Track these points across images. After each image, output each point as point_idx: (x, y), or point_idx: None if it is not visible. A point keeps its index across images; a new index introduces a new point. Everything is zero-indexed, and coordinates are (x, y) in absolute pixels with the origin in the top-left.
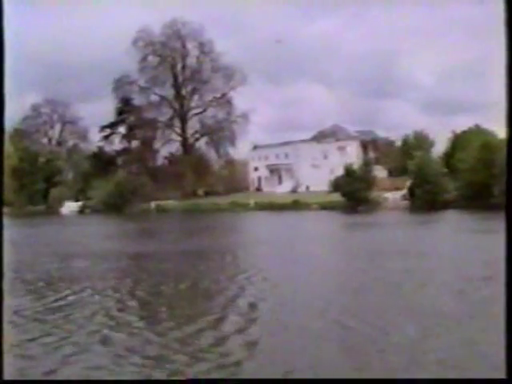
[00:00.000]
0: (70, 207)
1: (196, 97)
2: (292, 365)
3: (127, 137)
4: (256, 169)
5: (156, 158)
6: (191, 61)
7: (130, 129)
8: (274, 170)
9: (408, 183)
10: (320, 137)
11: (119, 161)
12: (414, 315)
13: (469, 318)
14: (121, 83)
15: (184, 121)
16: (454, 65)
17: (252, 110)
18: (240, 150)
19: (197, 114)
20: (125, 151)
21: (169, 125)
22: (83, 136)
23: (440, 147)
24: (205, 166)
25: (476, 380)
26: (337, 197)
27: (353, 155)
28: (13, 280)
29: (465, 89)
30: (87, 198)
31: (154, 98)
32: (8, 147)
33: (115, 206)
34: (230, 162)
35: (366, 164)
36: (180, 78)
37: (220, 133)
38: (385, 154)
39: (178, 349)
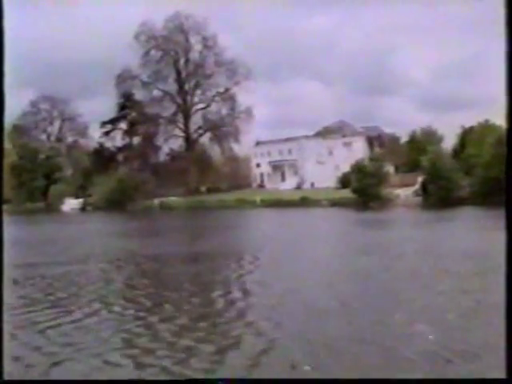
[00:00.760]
0: (70, 204)
1: (199, 92)
2: None
3: (129, 133)
4: (258, 165)
5: (158, 154)
6: (194, 55)
7: (132, 124)
8: (277, 167)
9: (420, 179)
10: (325, 132)
11: (120, 157)
12: None
13: None
14: (123, 78)
15: (187, 116)
16: (451, 61)
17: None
18: (242, 147)
19: (200, 109)
20: (126, 147)
21: (171, 120)
22: (83, 132)
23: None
24: (208, 163)
25: (476, 380)
26: (346, 193)
27: (359, 151)
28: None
29: (462, 85)
30: (87, 194)
31: (156, 93)
32: (6, 144)
33: (117, 202)
34: (234, 159)
35: (377, 160)
36: (183, 73)
37: (224, 128)
38: (390, 150)
39: None
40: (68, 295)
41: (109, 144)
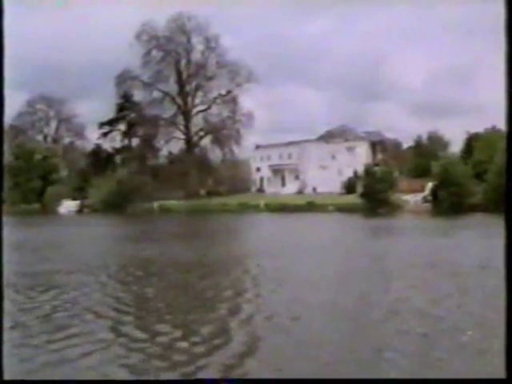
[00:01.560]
0: (67, 206)
1: (200, 94)
2: None
3: (127, 134)
4: (258, 169)
5: (157, 157)
6: (196, 56)
7: (131, 126)
8: (277, 171)
9: (430, 185)
10: (328, 137)
11: (118, 159)
12: None
13: None
14: (123, 78)
15: (188, 118)
16: (445, 67)
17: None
18: (242, 150)
19: (201, 111)
20: (124, 149)
21: (172, 122)
22: (80, 133)
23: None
24: (208, 166)
25: (476, 380)
26: (352, 198)
27: (362, 156)
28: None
29: (455, 92)
30: (84, 196)
31: (156, 94)
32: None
33: (116, 205)
34: (235, 162)
35: (385, 165)
36: (184, 74)
37: (225, 131)
38: (393, 155)
39: None
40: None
41: (106, 145)
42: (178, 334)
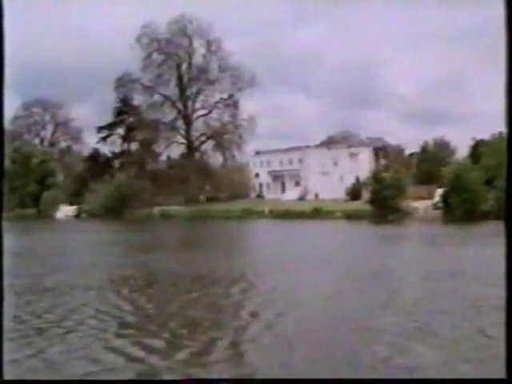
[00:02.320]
0: (65, 211)
1: (201, 98)
2: None
3: (126, 138)
4: (257, 175)
5: (157, 162)
6: (197, 60)
7: (129, 130)
8: (277, 177)
9: (440, 191)
10: (330, 143)
11: (116, 163)
12: None
13: None
14: (123, 81)
15: (188, 123)
16: (438, 75)
17: None
18: (242, 155)
19: (202, 115)
20: (123, 153)
21: (172, 127)
22: (76, 137)
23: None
24: (209, 171)
25: (476, 380)
26: (358, 205)
27: (365, 162)
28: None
29: (448, 100)
30: (80, 201)
31: (156, 97)
32: None
33: (114, 210)
34: (237, 168)
35: (395, 171)
36: (185, 78)
37: (226, 136)
38: (395, 161)
39: None
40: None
41: (104, 150)
42: None
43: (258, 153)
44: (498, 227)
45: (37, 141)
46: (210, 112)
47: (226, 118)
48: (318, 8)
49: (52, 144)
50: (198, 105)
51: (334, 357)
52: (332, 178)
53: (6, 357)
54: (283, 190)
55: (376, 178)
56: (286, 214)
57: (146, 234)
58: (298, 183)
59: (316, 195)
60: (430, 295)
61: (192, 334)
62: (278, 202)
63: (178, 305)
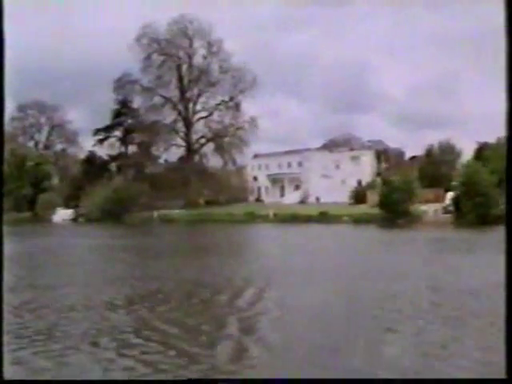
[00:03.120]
0: (62, 215)
1: (202, 100)
2: None
3: (124, 141)
4: (255, 178)
5: (155, 164)
6: (198, 61)
7: (127, 132)
8: (276, 180)
9: (450, 194)
10: (331, 146)
11: (113, 166)
12: None
13: None
14: (122, 82)
15: (189, 125)
16: (426, 79)
17: None
18: (243, 158)
19: (202, 117)
20: (121, 156)
21: (172, 129)
22: (72, 140)
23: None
24: (210, 174)
25: (476, 380)
26: (364, 208)
27: (367, 165)
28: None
29: (437, 104)
30: (75, 205)
31: (156, 99)
32: None
33: (112, 214)
34: (238, 171)
35: (405, 175)
36: (186, 79)
37: (227, 139)
38: (396, 164)
39: None
40: None
41: (101, 152)
42: None
43: (256, 156)
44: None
45: (31, 143)
46: (210, 114)
47: (227, 120)
48: (310, 12)
49: (47, 147)
50: (198, 107)
51: None
52: (333, 182)
53: None
54: (282, 193)
55: (385, 181)
56: (291, 218)
57: (152, 239)
58: (297, 187)
59: (317, 199)
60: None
61: None
62: (278, 205)
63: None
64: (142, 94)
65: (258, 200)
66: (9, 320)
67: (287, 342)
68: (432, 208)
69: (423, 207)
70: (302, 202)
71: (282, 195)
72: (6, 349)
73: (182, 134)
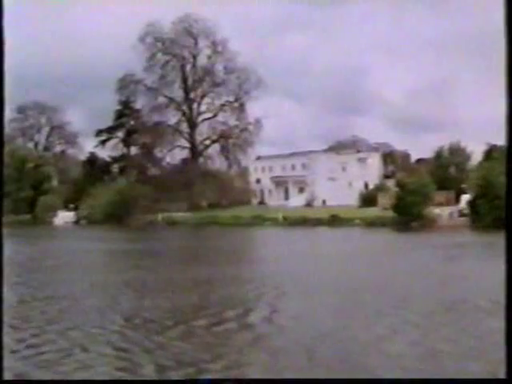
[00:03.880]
0: (64, 217)
1: (206, 100)
2: None
3: (126, 142)
4: (258, 181)
5: (159, 166)
6: (203, 61)
7: (130, 133)
8: (280, 183)
9: (465, 197)
10: (338, 148)
11: (116, 168)
12: None
13: None
14: (125, 82)
15: (193, 126)
16: (423, 83)
17: None
18: (248, 160)
19: (207, 118)
20: (123, 158)
21: (176, 130)
22: (72, 141)
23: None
24: (215, 176)
25: (476, 380)
26: (375, 211)
27: (374, 168)
28: None
29: (433, 107)
30: (73, 207)
31: (160, 100)
32: None
33: (115, 216)
34: (239, 173)
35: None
36: (190, 79)
37: (232, 140)
38: (402, 167)
39: None
40: None
41: (103, 154)
42: None
43: (258, 158)
44: None
45: (31, 145)
46: (215, 115)
47: (232, 121)
48: (307, 14)
49: (47, 148)
50: (203, 107)
51: None
52: (340, 184)
53: None
54: (286, 196)
55: (400, 183)
56: (301, 221)
57: (162, 243)
58: (301, 189)
59: (323, 201)
60: None
61: None
62: (283, 208)
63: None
64: (146, 94)
65: (261, 203)
66: None
67: None
68: (446, 211)
69: (436, 210)
70: (308, 204)
71: (286, 198)
72: None
73: (186, 136)
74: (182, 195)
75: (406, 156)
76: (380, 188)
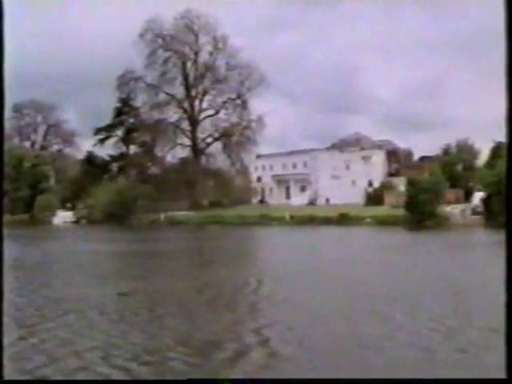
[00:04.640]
0: (62, 217)
1: (208, 97)
2: None
3: (126, 140)
4: (259, 179)
5: (159, 164)
6: (204, 57)
7: (129, 131)
8: (281, 181)
9: (479, 195)
10: (342, 145)
11: (115, 167)
12: None
13: None
14: (125, 79)
15: (194, 123)
16: (415, 81)
17: None
18: (250, 158)
19: (208, 116)
20: (122, 156)
21: (177, 127)
22: (69, 140)
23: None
24: (214, 175)
25: (476, 380)
26: (384, 210)
27: (378, 165)
28: None
29: (427, 106)
30: (70, 207)
31: (160, 97)
32: None
33: (115, 216)
34: (240, 171)
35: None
36: (191, 76)
37: (234, 138)
38: (406, 165)
39: None
40: None
41: (101, 152)
42: None
43: (258, 156)
44: None
45: (27, 144)
46: (217, 112)
47: (234, 118)
48: (298, 13)
49: (43, 147)
50: (204, 104)
51: None
52: (343, 182)
53: None
54: (287, 194)
55: (411, 181)
56: (309, 221)
57: (175, 244)
58: (303, 188)
59: (327, 200)
60: None
61: None
62: (287, 207)
63: None
64: (146, 91)
65: (262, 201)
66: None
67: None
68: (458, 209)
69: (447, 208)
70: (311, 203)
71: (288, 197)
72: None
73: (187, 133)
74: (183, 194)
75: (409, 154)
76: (386, 186)
